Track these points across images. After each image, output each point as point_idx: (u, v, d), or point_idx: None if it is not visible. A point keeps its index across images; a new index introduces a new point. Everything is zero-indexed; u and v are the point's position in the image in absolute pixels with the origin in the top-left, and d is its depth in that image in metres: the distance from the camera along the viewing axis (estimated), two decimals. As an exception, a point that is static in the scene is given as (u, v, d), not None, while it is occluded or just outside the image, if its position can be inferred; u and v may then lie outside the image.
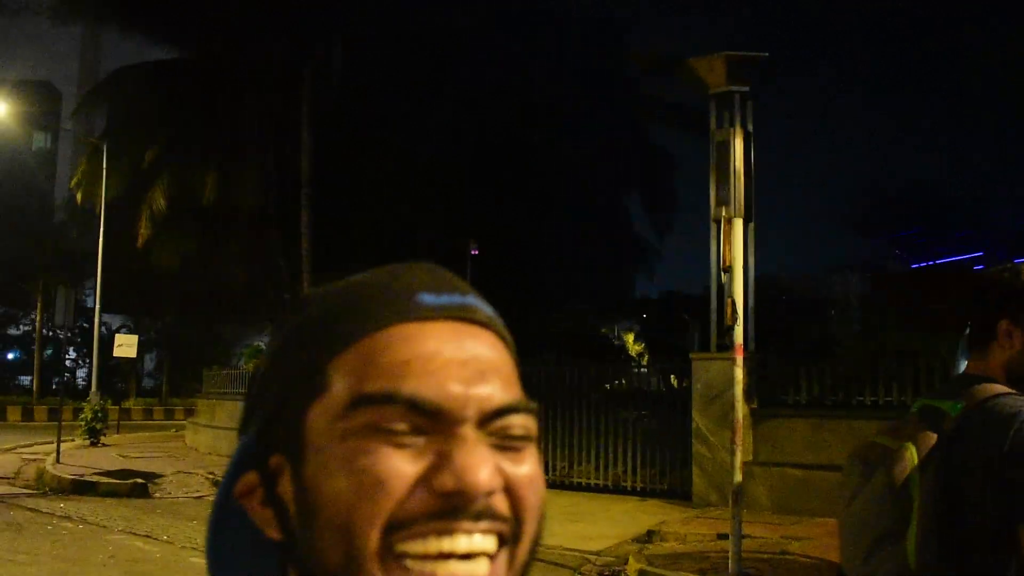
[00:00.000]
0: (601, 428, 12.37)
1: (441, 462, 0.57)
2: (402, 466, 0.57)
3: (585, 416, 12.55)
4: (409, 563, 0.57)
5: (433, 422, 0.58)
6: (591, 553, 8.56)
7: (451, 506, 0.57)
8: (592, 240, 25.35)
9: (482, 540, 0.58)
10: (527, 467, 0.61)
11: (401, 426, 0.58)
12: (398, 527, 0.57)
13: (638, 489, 11.86)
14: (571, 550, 8.71)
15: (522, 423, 0.62)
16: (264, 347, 0.69)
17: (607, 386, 13.76)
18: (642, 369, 16.53)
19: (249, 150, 19.26)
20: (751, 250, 10.62)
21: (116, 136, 21.62)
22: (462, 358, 0.60)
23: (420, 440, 0.58)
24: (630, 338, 50.01)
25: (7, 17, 54.56)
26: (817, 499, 9.98)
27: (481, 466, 0.57)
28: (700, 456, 10.85)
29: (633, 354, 46.45)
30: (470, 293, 0.65)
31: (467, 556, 0.57)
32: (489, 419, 0.60)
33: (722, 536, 8.60)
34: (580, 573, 7.95)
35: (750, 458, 10.30)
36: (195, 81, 20.58)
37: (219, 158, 19.23)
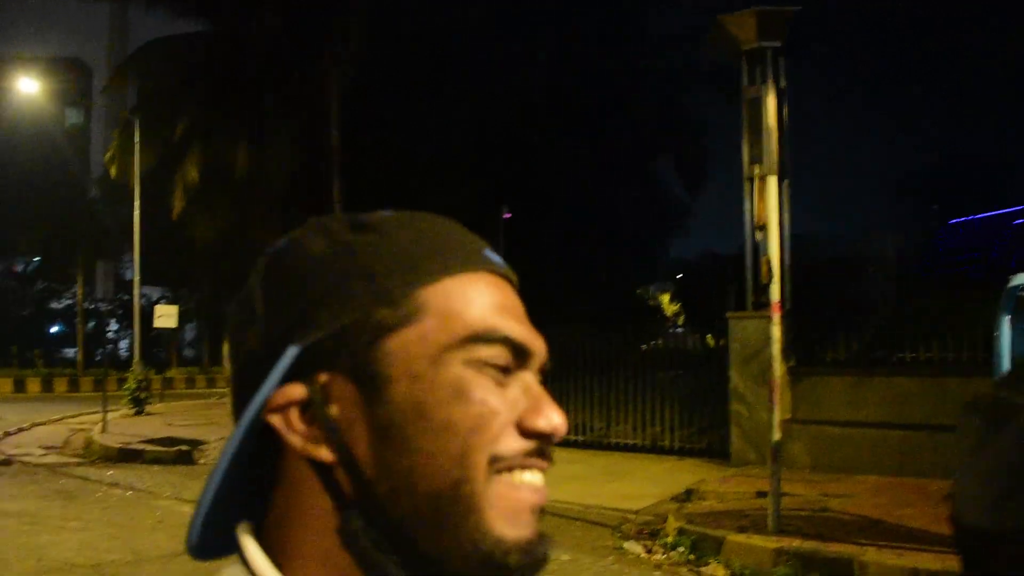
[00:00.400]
0: (638, 388, 12.39)
1: (534, 405, 0.63)
2: (508, 405, 0.62)
3: (622, 377, 12.56)
4: (503, 483, 0.61)
5: (519, 364, 0.64)
6: (630, 511, 8.61)
7: (538, 446, 0.63)
8: (624, 203, 25.24)
9: (543, 473, 0.65)
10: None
11: (502, 363, 0.63)
12: (499, 458, 0.61)
13: (676, 448, 11.88)
14: (611, 509, 8.77)
15: (547, 367, 0.69)
16: (286, 255, 0.67)
17: (643, 347, 13.78)
18: (678, 329, 16.47)
19: (278, 121, 19.27)
20: (786, 208, 10.54)
21: (147, 110, 21.71)
22: (523, 313, 0.67)
23: (510, 377, 0.64)
24: (665, 299, 49.88)
25: (36, -6, 54.95)
26: (856, 456, 9.98)
27: (558, 412, 0.64)
28: (738, 415, 10.84)
29: (669, 315, 46.41)
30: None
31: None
32: (542, 364, 0.67)
33: (761, 494, 8.61)
34: (620, 531, 7.99)
35: (788, 416, 10.27)
36: (222, 53, 20.57)
37: (249, 130, 19.26)
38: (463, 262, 0.65)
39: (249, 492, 0.67)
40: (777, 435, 7.09)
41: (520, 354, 0.64)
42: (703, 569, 6.89)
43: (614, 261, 26.59)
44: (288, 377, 0.62)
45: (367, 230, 0.66)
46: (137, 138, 21.01)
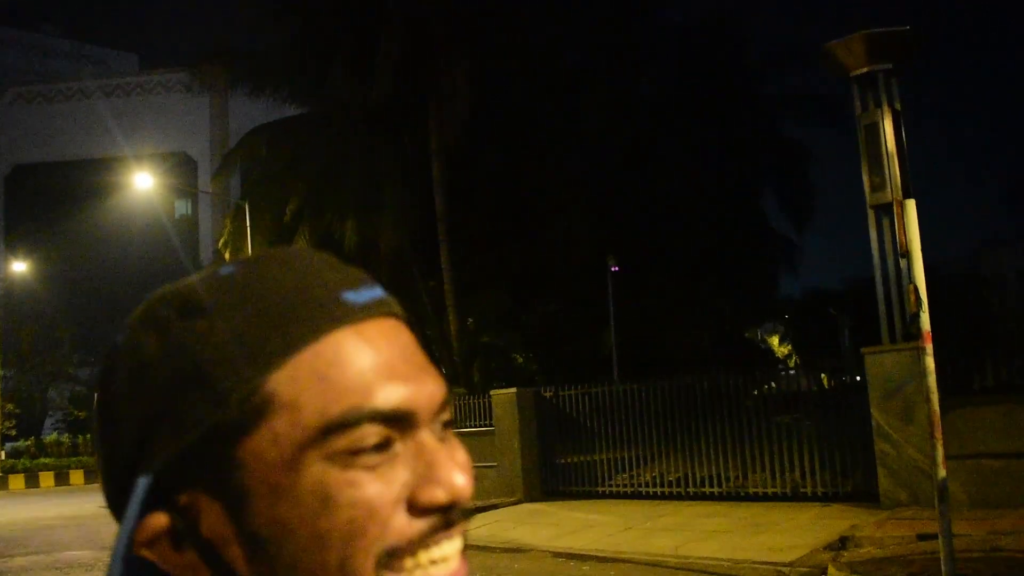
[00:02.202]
0: (772, 434, 11.91)
1: (426, 474, 0.55)
2: (390, 490, 0.54)
3: (753, 423, 12.12)
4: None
5: (399, 430, 0.55)
6: (783, 565, 8.20)
7: (444, 518, 0.55)
8: (730, 243, 24.80)
9: (459, 538, 0.57)
10: (461, 451, 0.59)
11: (374, 443, 0.54)
12: (393, 552, 0.54)
13: (819, 494, 11.31)
14: (762, 563, 8.38)
15: (449, 409, 0.60)
16: (118, 363, 0.58)
17: (757, 391, 13.33)
18: (790, 371, 15.93)
19: (383, 192, 19.69)
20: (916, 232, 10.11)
21: (256, 194, 22.50)
22: (404, 357, 0.57)
23: (390, 453, 0.55)
24: (775, 340, 48.75)
25: (142, 95, 57.98)
26: (1017, 489, 9.34)
27: (460, 471, 0.56)
28: (884, 455, 10.29)
29: (780, 356, 45.25)
30: (375, 283, 0.60)
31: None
32: (436, 414, 0.58)
33: (923, 537, 8.13)
34: (776, 586, 7.61)
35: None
36: (326, 132, 21.25)
37: (355, 204, 19.73)
38: (314, 328, 0.54)
39: None
40: (942, 472, 6.66)
41: (398, 421, 0.55)
42: (876, 622, 6.46)
43: (723, 305, 26.05)
44: (149, 502, 0.55)
45: (197, 314, 0.55)
46: (248, 222, 21.72)
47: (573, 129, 20.79)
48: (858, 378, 11.64)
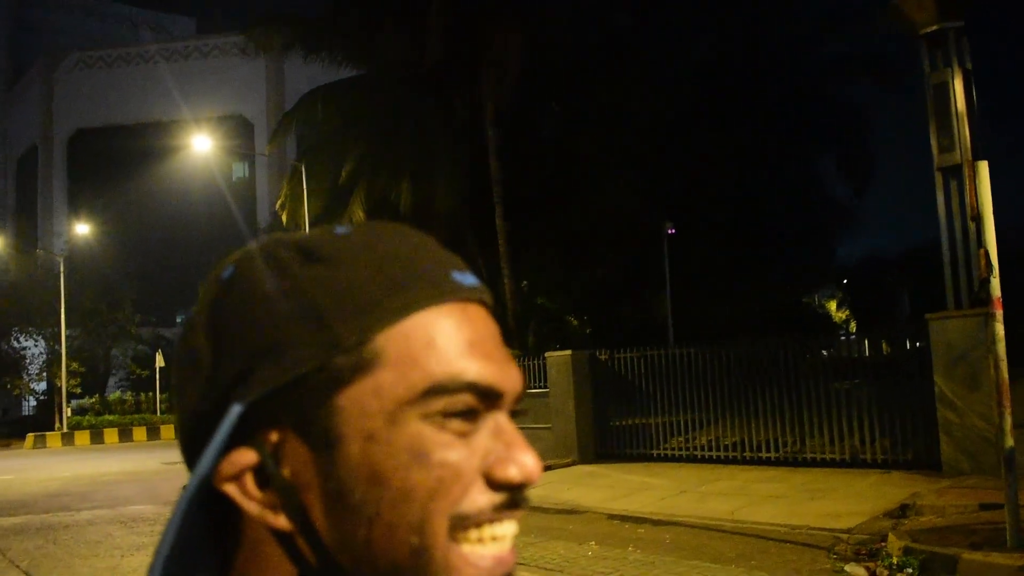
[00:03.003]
0: (831, 400, 11.76)
1: (503, 452, 0.57)
2: (474, 458, 0.57)
3: (812, 389, 11.97)
4: (466, 549, 0.56)
5: (486, 405, 0.58)
6: (842, 531, 8.13)
7: (511, 497, 0.58)
8: (786, 207, 24.41)
9: (516, 523, 0.59)
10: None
11: (465, 411, 0.57)
12: (464, 519, 0.56)
13: (879, 461, 11.15)
14: (819, 529, 8.32)
15: (522, 402, 0.62)
16: (232, 293, 0.59)
17: (814, 357, 13.17)
18: (849, 337, 15.68)
19: (438, 154, 19.68)
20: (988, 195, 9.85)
21: (312, 157, 22.66)
22: (495, 343, 0.60)
23: (476, 424, 0.57)
24: (832, 306, 48.10)
25: (199, 59, 58.57)
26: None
27: (532, 455, 0.58)
28: (947, 422, 10.10)
29: (837, 321, 44.67)
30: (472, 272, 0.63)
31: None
32: (515, 401, 0.60)
33: (986, 506, 8.00)
34: (835, 553, 7.54)
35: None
36: (381, 94, 21.28)
37: (410, 166, 19.77)
38: (428, 296, 0.57)
39: (206, 556, 0.60)
40: (1009, 441, 6.52)
41: (488, 397, 0.58)
42: (938, 591, 6.38)
43: (780, 270, 25.69)
44: (236, 436, 0.56)
45: (318, 261, 0.58)
46: (305, 184, 21.89)
47: (624, 91, 20.51)
48: (918, 344, 11.44)
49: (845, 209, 27.41)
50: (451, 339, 0.57)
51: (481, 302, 0.61)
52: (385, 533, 0.55)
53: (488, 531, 0.57)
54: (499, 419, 0.59)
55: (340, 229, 0.61)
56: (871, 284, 45.18)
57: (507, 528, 0.58)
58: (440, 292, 0.58)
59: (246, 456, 0.56)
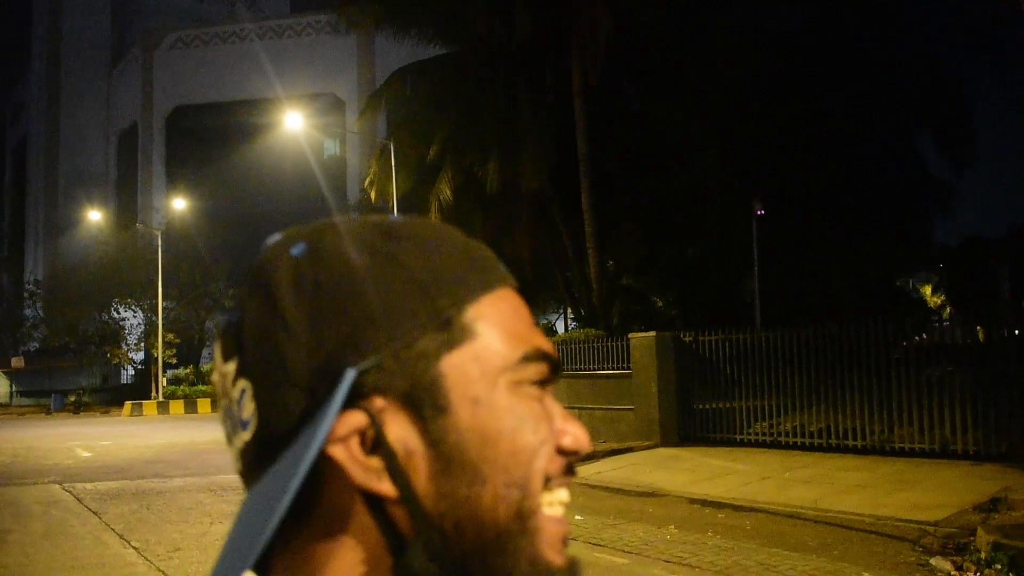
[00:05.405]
0: (921, 387, 11.44)
1: (562, 424, 0.61)
2: (554, 423, 0.61)
3: (902, 376, 11.64)
4: (546, 510, 0.59)
5: (551, 378, 0.62)
6: (929, 524, 7.96)
7: (570, 464, 0.61)
8: (882, 186, 23.62)
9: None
10: None
11: (541, 380, 0.61)
12: (549, 479, 0.59)
13: (970, 452, 10.82)
14: (905, 520, 8.17)
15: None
16: (320, 263, 0.59)
17: (906, 342, 12.77)
18: (944, 322, 15.13)
19: (525, 133, 19.68)
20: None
21: (401, 135, 22.91)
22: (536, 326, 0.64)
23: (545, 393, 0.62)
24: (927, 290, 46.58)
25: (293, 37, 59.59)
26: None
27: (581, 427, 0.62)
28: (1045, 415, 9.77)
29: (932, 306, 43.24)
30: None
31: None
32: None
33: (1083, 503, 7.73)
34: (920, 545, 7.39)
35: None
36: (468, 72, 21.37)
37: (496, 144, 19.82)
38: (497, 277, 0.62)
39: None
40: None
41: (555, 369, 0.62)
42: (1028, 589, 6.22)
43: (873, 252, 24.92)
44: (350, 403, 0.57)
45: (403, 239, 0.61)
46: (393, 162, 22.17)
47: (712, 62, 20.11)
48: (1017, 332, 11.05)
49: (945, 188, 26.37)
50: (521, 315, 0.62)
51: (516, 288, 0.65)
52: (494, 494, 0.57)
53: (556, 495, 0.60)
54: (551, 393, 0.63)
55: (398, 219, 0.63)
56: (969, 268, 43.56)
57: (566, 494, 0.62)
58: (503, 276, 0.63)
59: (357, 418, 0.57)
